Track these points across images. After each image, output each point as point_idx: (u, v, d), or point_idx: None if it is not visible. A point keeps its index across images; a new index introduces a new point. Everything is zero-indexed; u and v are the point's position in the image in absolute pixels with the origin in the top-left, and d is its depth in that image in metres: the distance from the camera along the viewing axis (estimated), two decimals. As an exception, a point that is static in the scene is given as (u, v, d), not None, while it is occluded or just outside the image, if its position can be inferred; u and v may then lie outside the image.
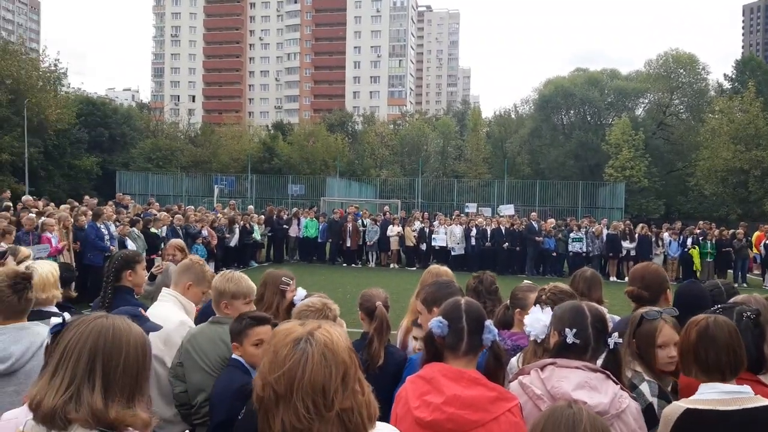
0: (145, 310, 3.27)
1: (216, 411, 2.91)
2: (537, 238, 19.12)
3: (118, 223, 13.16)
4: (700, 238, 18.94)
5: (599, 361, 2.37)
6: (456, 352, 2.20)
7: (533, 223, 19.84)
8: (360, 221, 20.53)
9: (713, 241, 18.79)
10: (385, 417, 2.06)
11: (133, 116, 54.43)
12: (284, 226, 20.30)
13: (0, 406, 2.52)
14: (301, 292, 3.61)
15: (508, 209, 24.40)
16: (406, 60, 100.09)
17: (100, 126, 47.31)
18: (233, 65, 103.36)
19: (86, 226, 11.94)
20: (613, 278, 18.07)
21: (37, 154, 38.03)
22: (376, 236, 20.14)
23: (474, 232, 19.53)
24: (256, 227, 19.15)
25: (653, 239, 18.98)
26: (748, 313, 2.64)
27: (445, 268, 4.00)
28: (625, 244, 18.69)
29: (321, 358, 1.30)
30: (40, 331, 2.75)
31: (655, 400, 2.56)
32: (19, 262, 4.16)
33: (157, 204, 19.80)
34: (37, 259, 5.13)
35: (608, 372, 2.28)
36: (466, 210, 25.92)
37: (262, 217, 20.40)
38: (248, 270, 17.97)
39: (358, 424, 1.33)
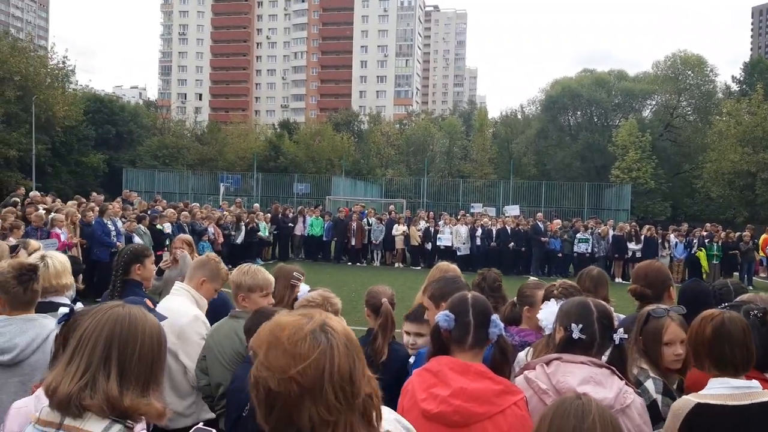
0: (154, 304, 3.30)
1: (232, 407, 2.89)
2: (542, 238, 19.11)
3: (124, 219, 13.24)
4: (707, 241, 18.89)
5: (604, 357, 2.39)
6: (462, 346, 2.21)
7: (539, 223, 19.82)
8: (365, 220, 20.55)
9: (720, 244, 18.74)
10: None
11: (140, 114, 54.66)
12: (290, 224, 20.36)
13: (6, 397, 2.55)
14: (304, 287, 3.66)
15: (513, 210, 24.37)
16: (413, 60, 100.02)
17: (108, 123, 47.52)
18: (240, 64, 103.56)
19: (93, 222, 12.01)
20: (618, 279, 18.02)
21: (45, 151, 38.26)
22: (382, 235, 20.16)
23: (479, 232, 19.53)
24: (263, 225, 19.21)
25: (659, 241, 18.94)
26: (755, 312, 2.66)
27: (453, 266, 4.03)
28: (631, 245, 18.65)
29: (345, 347, 1.30)
30: (47, 324, 2.77)
31: (659, 397, 2.58)
32: (29, 255, 4.20)
33: (164, 201, 19.87)
34: (47, 252, 5.17)
35: (613, 367, 2.29)
36: (472, 210, 25.90)
37: (269, 215, 20.45)
38: (254, 268, 18.01)
39: (373, 409, 1.35)
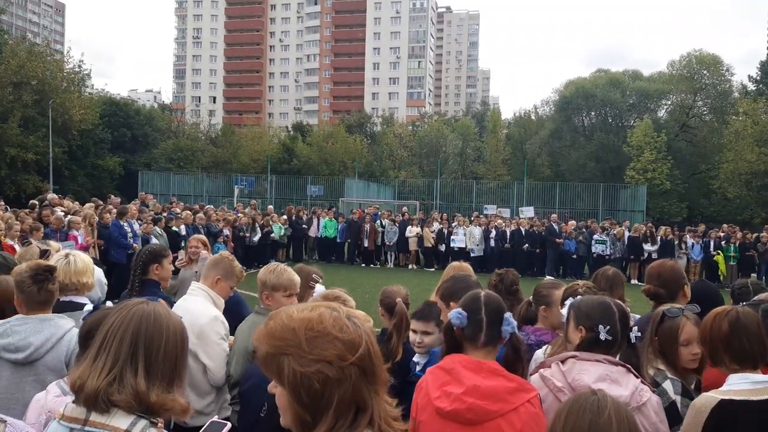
0: (170, 304, 3.34)
1: (250, 407, 2.81)
2: (557, 240, 19.02)
3: (140, 222, 13.38)
4: (723, 242, 18.70)
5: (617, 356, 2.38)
6: (475, 343, 2.22)
7: (553, 224, 19.73)
8: (378, 222, 20.59)
9: (736, 245, 18.55)
10: (405, 414, 2.09)
11: (155, 117, 55.07)
12: (303, 226, 20.46)
13: (22, 395, 2.59)
14: (319, 288, 3.71)
15: (528, 211, 24.28)
16: (426, 61, 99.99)
17: (123, 126, 47.96)
18: (254, 66, 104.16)
19: (110, 224, 12.15)
20: (634, 281, 17.88)
21: (62, 154, 38.67)
22: (395, 237, 20.18)
23: (493, 233, 19.48)
24: (277, 226, 19.32)
25: (676, 242, 18.77)
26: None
27: (466, 265, 4.03)
28: (647, 246, 18.50)
29: (371, 332, 1.40)
30: (62, 324, 2.81)
31: (678, 398, 2.56)
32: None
33: (181, 203, 20.05)
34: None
35: (629, 366, 2.28)
36: (486, 211, 25.83)
37: (284, 217, 20.56)
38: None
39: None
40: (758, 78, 45.91)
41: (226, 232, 16.16)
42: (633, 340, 2.35)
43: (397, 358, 3.26)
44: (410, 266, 20.16)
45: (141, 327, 1.65)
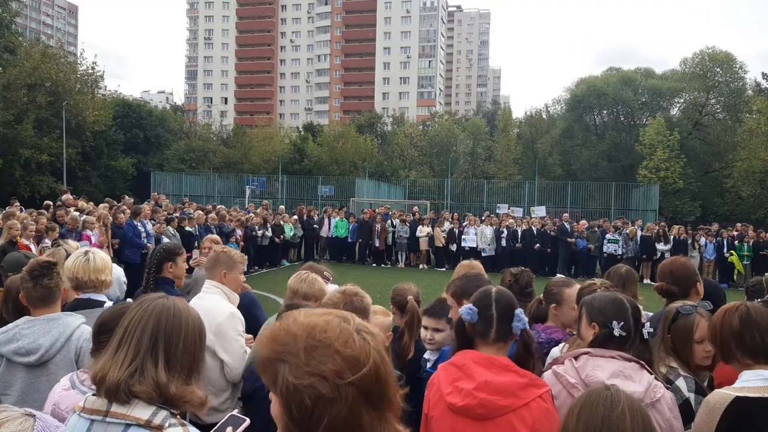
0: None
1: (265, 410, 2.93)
2: (569, 239, 18.94)
3: (154, 222, 13.50)
4: (736, 241, 18.54)
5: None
6: (486, 339, 2.23)
7: (565, 224, 19.65)
8: (389, 222, 20.61)
9: (750, 244, 18.38)
10: (416, 410, 2.10)
11: (167, 118, 55.50)
12: (315, 226, 20.54)
13: (37, 396, 2.62)
14: (332, 287, 3.72)
15: (540, 211, 24.20)
16: (436, 60, 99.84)
17: (136, 128, 48.38)
18: (264, 67, 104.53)
19: (124, 224, 12.26)
20: (647, 280, 17.76)
21: (75, 155, 39.08)
22: (406, 236, 20.18)
23: (505, 233, 19.43)
24: (288, 226, 19.40)
25: (689, 241, 18.63)
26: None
27: (477, 263, 4.03)
28: (660, 246, 18.37)
29: (384, 351, 1.26)
30: (70, 322, 2.83)
31: (692, 396, 2.55)
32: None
33: (194, 203, 20.20)
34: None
35: (643, 362, 2.28)
36: (498, 211, 25.77)
37: (295, 217, 20.65)
38: (280, 269, 18.22)
39: (399, 409, 1.34)
40: (772, 75, 45.38)
41: (239, 232, 16.27)
42: (645, 336, 2.35)
43: (409, 356, 3.28)
44: (421, 266, 20.15)
45: (161, 320, 1.69)
